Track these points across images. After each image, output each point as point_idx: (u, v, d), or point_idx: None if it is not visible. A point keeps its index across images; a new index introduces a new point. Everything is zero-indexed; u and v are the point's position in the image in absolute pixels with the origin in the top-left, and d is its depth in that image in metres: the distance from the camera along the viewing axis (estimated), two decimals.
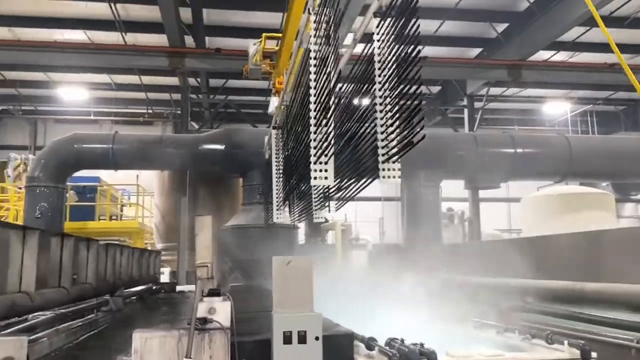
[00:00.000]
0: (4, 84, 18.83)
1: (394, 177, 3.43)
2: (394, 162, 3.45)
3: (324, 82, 3.74)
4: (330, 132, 3.80)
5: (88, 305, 5.90)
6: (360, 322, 4.15)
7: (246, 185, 13.57)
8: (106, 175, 15.75)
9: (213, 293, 3.09)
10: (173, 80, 17.56)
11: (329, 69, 3.68)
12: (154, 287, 10.65)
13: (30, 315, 4.48)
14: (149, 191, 16.68)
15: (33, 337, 4.40)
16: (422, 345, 3.16)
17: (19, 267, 3.77)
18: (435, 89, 19.98)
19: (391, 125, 3.39)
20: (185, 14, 13.79)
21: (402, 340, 3.29)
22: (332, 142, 3.80)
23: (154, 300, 10.11)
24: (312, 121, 3.90)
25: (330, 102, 3.79)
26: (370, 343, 3.44)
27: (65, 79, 18.87)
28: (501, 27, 14.95)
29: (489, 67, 15.38)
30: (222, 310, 3.05)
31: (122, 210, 17.76)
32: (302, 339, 2.94)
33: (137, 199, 16.59)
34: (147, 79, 18.51)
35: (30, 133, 22.24)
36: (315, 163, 3.80)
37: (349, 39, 4.46)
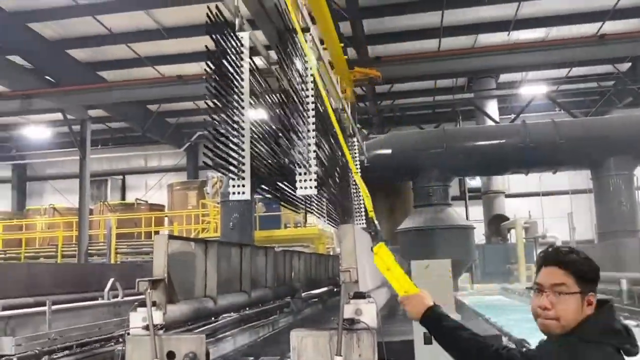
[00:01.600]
0: (198, 112, 21.33)
1: (310, 187, 3.76)
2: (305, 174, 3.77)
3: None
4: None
5: (271, 307, 6.46)
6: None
7: (417, 187, 13.65)
8: None
9: (358, 295, 3.27)
10: None
11: None
12: (335, 290, 11.15)
13: (220, 317, 5.11)
14: None
15: (220, 335, 4.94)
16: None
17: (203, 275, 4.31)
18: (624, 66, 17.96)
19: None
20: (347, 27, 14.32)
21: None
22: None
23: (334, 302, 10.56)
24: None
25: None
26: (522, 344, 3.36)
27: None
28: None
29: None
30: (367, 312, 3.20)
31: (305, 218, 18.94)
32: None
33: None
34: None
35: None
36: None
37: None
